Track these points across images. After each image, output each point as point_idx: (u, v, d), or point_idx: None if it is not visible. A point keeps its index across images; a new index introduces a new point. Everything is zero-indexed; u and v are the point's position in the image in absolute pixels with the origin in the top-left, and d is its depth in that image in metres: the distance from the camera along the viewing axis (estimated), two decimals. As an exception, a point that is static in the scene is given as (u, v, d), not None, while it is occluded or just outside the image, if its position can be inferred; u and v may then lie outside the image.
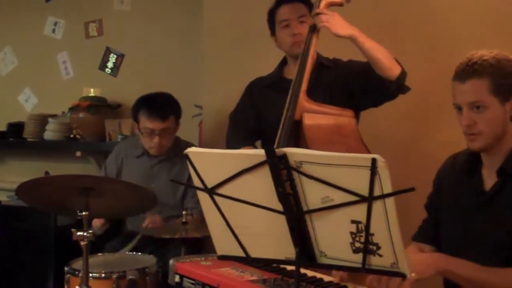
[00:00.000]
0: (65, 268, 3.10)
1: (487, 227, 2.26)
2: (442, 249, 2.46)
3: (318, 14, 2.91)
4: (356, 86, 3.06)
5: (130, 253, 3.43)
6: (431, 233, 2.51)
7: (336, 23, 2.86)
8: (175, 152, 3.85)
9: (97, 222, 3.60)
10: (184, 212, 3.27)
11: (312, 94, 2.97)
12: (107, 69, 5.25)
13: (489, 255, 2.22)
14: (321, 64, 3.17)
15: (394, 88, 2.93)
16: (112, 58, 5.23)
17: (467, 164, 2.38)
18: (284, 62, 3.33)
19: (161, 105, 3.79)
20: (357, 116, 3.08)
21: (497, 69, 2.20)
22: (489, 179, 2.31)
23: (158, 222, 3.63)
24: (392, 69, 2.89)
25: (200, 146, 4.23)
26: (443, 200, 2.48)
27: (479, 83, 2.19)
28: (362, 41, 2.85)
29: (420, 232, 2.57)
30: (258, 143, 3.44)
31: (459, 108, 2.26)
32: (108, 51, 5.24)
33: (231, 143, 3.35)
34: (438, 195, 2.52)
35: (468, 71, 2.21)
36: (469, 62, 2.22)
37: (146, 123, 3.74)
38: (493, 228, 2.25)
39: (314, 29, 2.96)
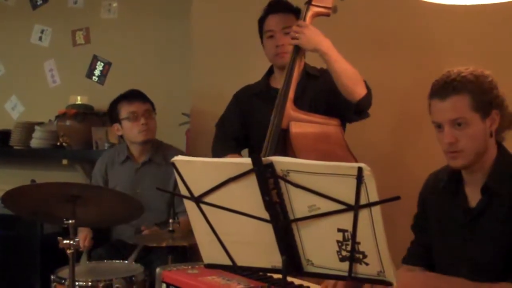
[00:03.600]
0: (52, 277, 3.09)
1: (476, 244, 2.26)
2: (435, 270, 2.45)
3: (296, 25, 2.93)
4: (331, 100, 3.06)
5: (117, 261, 3.42)
6: (421, 254, 2.49)
7: (306, 37, 2.88)
8: (158, 154, 3.90)
9: (81, 244, 3.58)
10: (170, 220, 3.26)
11: (299, 103, 2.98)
12: (94, 77, 5.24)
13: (480, 272, 2.21)
14: (308, 74, 3.18)
15: (351, 112, 2.95)
16: (99, 66, 5.22)
17: (449, 183, 2.37)
18: (270, 71, 3.34)
19: (137, 92, 3.97)
20: (343, 125, 3.08)
21: (476, 85, 2.20)
22: (473, 197, 2.30)
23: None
24: (354, 93, 2.89)
25: (187, 154, 4.23)
26: (430, 221, 2.46)
27: (460, 100, 2.19)
28: (328, 58, 2.86)
29: (410, 254, 2.54)
30: (245, 151, 3.43)
31: (439, 126, 2.26)
32: (95, 59, 5.23)
33: (217, 152, 3.34)
34: (423, 216, 2.51)
35: (447, 88, 2.21)
36: (448, 79, 2.22)
37: (129, 107, 3.87)
38: (482, 245, 2.24)
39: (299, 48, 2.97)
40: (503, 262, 2.19)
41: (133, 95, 3.91)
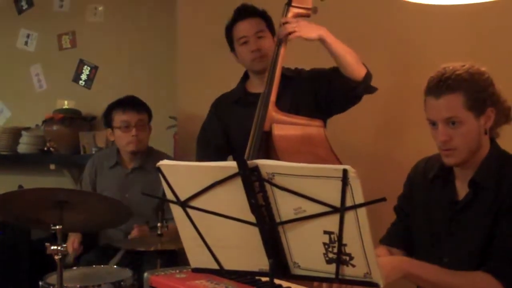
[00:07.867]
0: (40, 283, 3.07)
1: (460, 236, 2.28)
2: (414, 255, 2.46)
3: (284, 23, 2.91)
4: (322, 93, 3.07)
5: (106, 266, 3.41)
6: (401, 236, 2.51)
7: (304, 27, 2.87)
8: (148, 161, 3.86)
9: (70, 248, 3.60)
10: (159, 224, 3.25)
11: (279, 105, 2.98)
12: (81, 81, 5.23)
13: (462, 263, 2.23)
14: (284, 75, 3.17)
15: (362, 88, 2.96)
16: (86, 70, 5.21)
17: (440, 174, 2.38)
18: (246, 77, 3.32)
19: (134, 100, 3.94)
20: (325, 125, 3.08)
21: (471, 83, 2.19)
22: (462, 190, 2.31)
23: (146, 232, 3.64)
24: (359, 70, 2.92)
25: (175, 157, 4.23)
26: (415, 208, 2.47)
27: (454, 99, 2.18)
28: (330, 42, 2.86)
29: (389, 235, 2.55)
30: (229, 158, 3.40)
31: (433, 124, 2.25)
32: (81, 63, 5.22)
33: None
34: (409, 200, 2.51)
35: (442, 86, 2.19)
36: (442, 77, 2.20)
37: (122, 116, 3.83)
38: (466, 237, 2.26)
39: (281, 41, 2.95)
40: (484, 254, 2.20)
41: (128, 104, 3.86)
